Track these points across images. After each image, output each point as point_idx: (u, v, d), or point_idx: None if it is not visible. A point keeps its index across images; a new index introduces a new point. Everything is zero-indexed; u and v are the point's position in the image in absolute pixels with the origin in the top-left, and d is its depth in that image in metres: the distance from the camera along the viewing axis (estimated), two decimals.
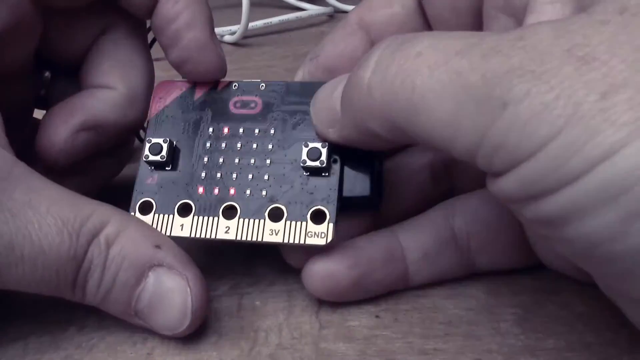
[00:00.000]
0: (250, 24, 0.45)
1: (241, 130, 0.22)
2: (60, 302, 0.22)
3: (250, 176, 0.21)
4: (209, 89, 0.23)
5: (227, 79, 0.23)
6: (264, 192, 0.21)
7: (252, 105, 0.22)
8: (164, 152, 0.22)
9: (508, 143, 0.14)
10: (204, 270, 0.23)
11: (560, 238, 0.14)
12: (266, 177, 0.21)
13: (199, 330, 0.20)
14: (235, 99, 0.22)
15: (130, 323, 0.20)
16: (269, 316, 0.21)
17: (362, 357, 0.19)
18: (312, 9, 0.50)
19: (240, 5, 0.43)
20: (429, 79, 0.15)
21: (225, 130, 0.22)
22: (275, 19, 0.47)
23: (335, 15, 0.51)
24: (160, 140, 0.22)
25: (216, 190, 0.21)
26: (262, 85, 0.22)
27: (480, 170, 0.15)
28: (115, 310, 0.20)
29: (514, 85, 0.14)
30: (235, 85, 0.23)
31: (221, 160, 0.22)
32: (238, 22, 0.44)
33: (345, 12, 0.51)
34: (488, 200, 0.22)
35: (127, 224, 0.20)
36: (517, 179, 0.14)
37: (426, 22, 0.22)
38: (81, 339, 0.21)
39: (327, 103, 0.20)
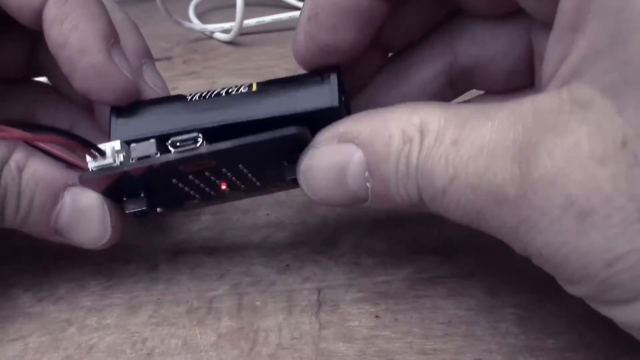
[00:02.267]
0: (246, 21, 0.45)
1: (205, 177, 0.20)
2: (60, 302, 0.22)
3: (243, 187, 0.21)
4: (145, 170, 0.18)
5: (228, 77, 0.21)
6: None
7: (205, 163, 0.19)
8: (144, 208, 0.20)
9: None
10: (204, 270, 0.23)
11: None
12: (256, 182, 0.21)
13: (198, 330, 0.21)
14: (181, 167, 0.19)
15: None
16: (269, 316, 0.21)
17: (362, 357, 0.20)
18: None
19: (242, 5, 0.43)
20: None
21: (190, 177, 0.19)
22: (269, 17, 0.47)
23: None
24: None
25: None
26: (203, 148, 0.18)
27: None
28: (36, 231, 0.20)
29: None
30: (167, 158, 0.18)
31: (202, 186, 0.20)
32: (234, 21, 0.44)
33: None
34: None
35: (35, 149, 0.20)
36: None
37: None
38: (81, 339, 0.21)
39: (338, 190, 0.18)
